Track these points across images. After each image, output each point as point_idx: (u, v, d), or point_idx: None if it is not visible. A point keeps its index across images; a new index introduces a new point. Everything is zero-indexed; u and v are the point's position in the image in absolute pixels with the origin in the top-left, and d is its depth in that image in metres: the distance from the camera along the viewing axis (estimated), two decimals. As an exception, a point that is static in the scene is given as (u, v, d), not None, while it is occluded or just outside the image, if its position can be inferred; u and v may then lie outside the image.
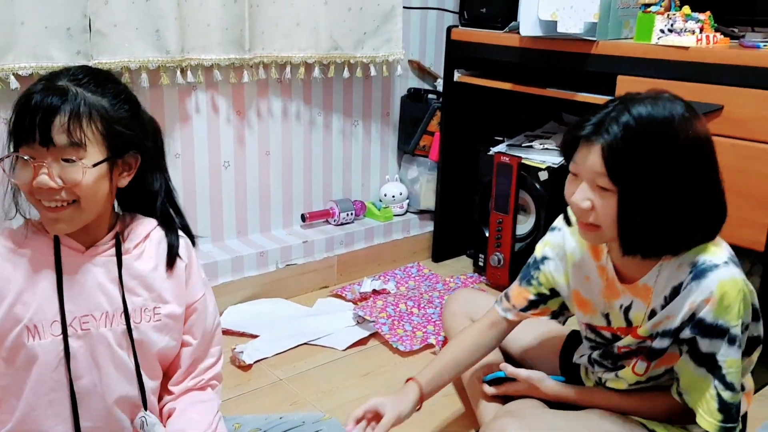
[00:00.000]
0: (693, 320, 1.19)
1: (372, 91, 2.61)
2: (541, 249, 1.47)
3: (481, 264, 2.56)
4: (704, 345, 1.19)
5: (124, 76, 1.94)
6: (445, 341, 2.01)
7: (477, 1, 2.42)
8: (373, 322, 2.12)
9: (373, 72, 2.47)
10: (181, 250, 1.20)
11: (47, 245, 1.10)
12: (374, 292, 2.35)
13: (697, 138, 1.14)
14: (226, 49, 2.12)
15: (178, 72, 2.05)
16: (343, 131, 2.56)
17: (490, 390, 1.56)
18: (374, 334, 2.11)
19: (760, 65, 1.66)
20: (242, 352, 1.91)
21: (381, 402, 1.36)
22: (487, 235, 2.49)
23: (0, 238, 1.11)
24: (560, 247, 1.42)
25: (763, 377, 1.70)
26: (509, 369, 1.51)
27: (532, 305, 1.48)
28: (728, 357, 1.18)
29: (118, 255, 1.13)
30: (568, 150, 1.21)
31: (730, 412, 1.19)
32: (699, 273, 1.17)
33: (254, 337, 2.05)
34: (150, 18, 1.92)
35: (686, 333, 1.21)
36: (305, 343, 2.04)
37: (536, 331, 1.70)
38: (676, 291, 1.21)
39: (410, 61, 2.69)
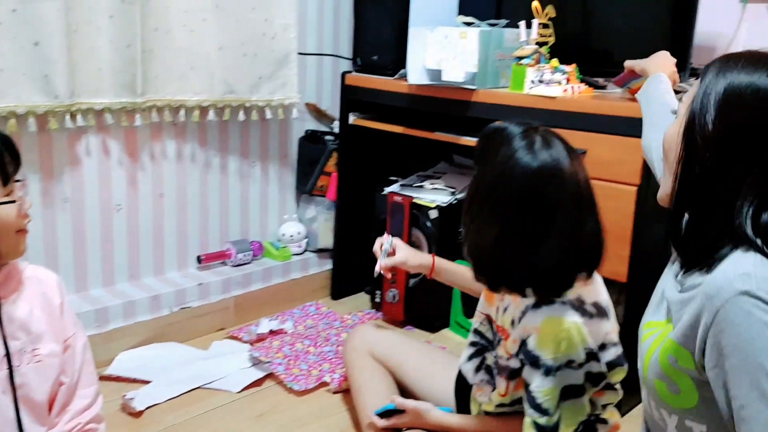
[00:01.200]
0: (523, 344, 1.31)
1: (269, 132, 2.66)
2: None
3: (377, 300, 2.63)
4: (525, 372, 1.32)
5: (10, 121, 1.91)
6: (342, 378, 2.05)
7: (369, 48, 2.53)
8: (269, 362, 2.14)
9: (269, 115, 2.52)
10: (54, 288, 1.22)
11: None
12: (271, 332, 2.37)
13: (577, 182, 1.28)
14: (118, 93, 2.13)
15: (68, 116, 2.04)
16: (240, 172, 2.59)
17: (380, 422, 1.62)
18: (270, 375, 2.12)
19: (617, 114, 1.83)
20: (133, 398, 1.88)
21: (401, 245, 1.77)
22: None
23: None
24: None
25: (631, 400, 1.83)
26: (398, 400, 1.59)
27: None
28: (543, 387, 1.29)
29: None
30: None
31: None
32: (537, 303, 1.30)
33: (146, 383, 2.03)
34: (38, 63, 1.91)
35: (520, 356, 1.33)
36: (199, 387, 2.03)
37: (431, 365, 1.78)
38: (525, 310, 1.33)
39: (307, 104, 2.76)
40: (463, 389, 1.62)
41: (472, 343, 1.56)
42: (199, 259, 2.48)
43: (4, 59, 1.86)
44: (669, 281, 1.05)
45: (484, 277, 1.33)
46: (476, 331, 1.55)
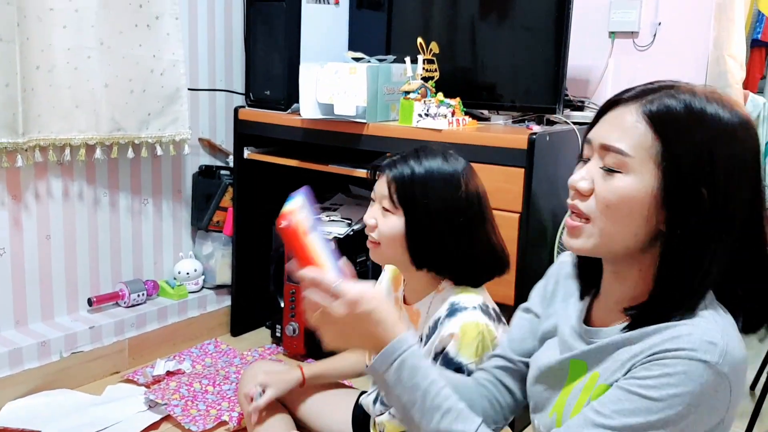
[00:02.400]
0: (442, 353, 1.35)
1: (161, 169, 2.62)
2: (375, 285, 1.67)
3: (278, 335, 2.62)
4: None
5: None
6: (240, 417, 2.03)
7: (261, 84, 2.55)
8: (165, 404, 2.09)
9: (159, 151, 2.48)
10: None
11: None
12: (168, 373, 2.32)
13: (474, 191, 1.41)
14: (-2, 133, 2.05)
15: (-59, 158, 1.95)
16: (131, 210, 2.53)
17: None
18: (167, 417, 2.07)
19: (501, 145, 1.93)
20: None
21: (267, 381, 1.71)
22: (282, 305, 2.56)
23: None
24: (381, 282, 1.66)
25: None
26: None
27: None
28: None
29: None
30: (371, 180, 1.49)
31: None
32: (452, 312, 1.36)
33: (35, 433, 1.94)
34: None
35: (438, 365, 1.36)
36: (92, 434, 1.96)
37: (328, 398, 1.79)
38: (436, 324, 1.38)
39: (200, 139, 2.75)
40: (360, 421, 1.65)
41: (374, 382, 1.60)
42: (90, 302, 2.40)
43: None
44: (567, 326, 1.05)
45: (422, 259, 1.41)
46: None
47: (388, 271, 1.65)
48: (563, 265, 1.14)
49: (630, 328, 0.93)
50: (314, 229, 1.00)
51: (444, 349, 1.36)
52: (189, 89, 2.53)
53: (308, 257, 0.98)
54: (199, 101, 2.69)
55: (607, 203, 0.91)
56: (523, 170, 1.89)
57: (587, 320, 1.04)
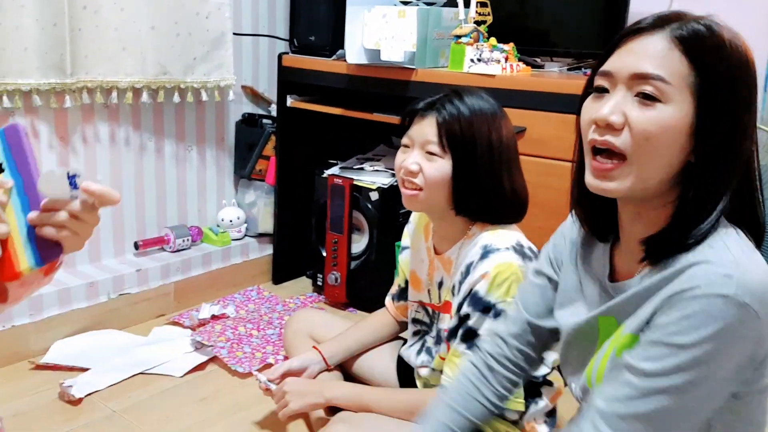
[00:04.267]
0: (470, 294, 1.35)
1: (205, 116, 2.61)
2: (402, 240, 1.66)
3: (319, 284, 2.62)
4: (473, 319, 1.35)
5: (-72, 101, 1.82)
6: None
7: (305, 29, 2.51)
8: (212, 346, 2.11)
9: (204, 97, 2.47)
10: None
11: None
12: (213, 317, 2.34)
13: (509, 131, 1.41)
14: (46, 74, 2.05)
15: (-7, 97, 1.95)
16: (176, 156, 2.53)
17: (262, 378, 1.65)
18: (213, 359, 2.09)
19: (556, 91, 1.87)
20: (71, 386, 1.83)
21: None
22: (324, 255, 2.55)
23: None
24: (407, 235, 1.63)
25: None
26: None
27: (400, 295, 1.68)
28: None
29: None
30: (403, 125, 1.44)
31: None
32: (484, 254, 1.35)
33: (84, 370, 1.97)
34: (-42, 40, 1.82)
35: (464, 308, 1.36)
36: (140, 373, 1.99)
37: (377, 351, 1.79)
38: (468, 269, 1.37)
39: (243, 87, 2.72)
40: (404, 370, 1.65)
41: (414, 333, 1.61)
42: (136, 245, 2.42)
43: None
44: (589, 279, 1.03)
45: (469, 205, 1.40)
46: (414, 320, 1.61)
47: (414, 222, 1.63)
48: (575, 224, 1.10)
49: (650, 264, 0.91)
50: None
51: (471, 290, 1.35)
52: (233, 34, 2.50)
53: None
54: (242, 47, 2.66)
55: (647, 135, 0.87)
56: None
57: (612, 275, 1.01)
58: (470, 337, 1.35)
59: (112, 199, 0.79)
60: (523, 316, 1.16)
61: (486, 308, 1.33)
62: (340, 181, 2.44)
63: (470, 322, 1.35)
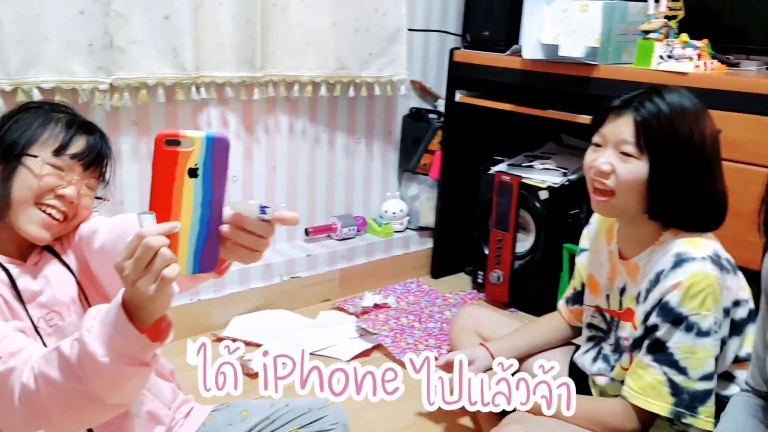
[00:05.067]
0: (660, 304, 1.28)
1: (375, 110, 2.67)
2: (580, 242, 1.62)
3: (479, 281, 2.61)
4: (662, 330, 1.28)
5: (141, 92, 1.99)
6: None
7: (480, 24, 2.50)
8: (376, 334, 2.17)
9: (377, 91, 2.53)
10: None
11: None
12: (375, 306, 2.40)
13: (712, 131, 1.33)
14: (238, 68, 2.18)
15: (193, 88, 2.11)
16: (346, 148, 2.62)
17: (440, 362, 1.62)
18: (377, 347, 2.15)
19: (754, 91, 1.74)
20: (251, 360, 1.95)
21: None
22: (486, 252, 2.54)
23: None
24: (586, 237, 1.58)
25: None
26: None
27: (575, 298, 1.64)
28: (682, 344, 1.26)
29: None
30: (596, 123, 1.38)
31: (682, 396, 1.26)
32: (678, 263, 1.28)
33: (259, 346, 2.10)
34: (168, 36, 1.98)
35: (652, 319, 1.30)
36: (310, 353, 2.08)
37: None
38: (657, 277, 1.30)
39: (412, 82, 2.76)
40: (576, 377, 1.60)
41: (589, 338, 1.56)
42: (307, 232, 2.54)
43: (137, 32, 1.94)
44: None
45: (665, 209, 1.33)
46: (589, 325, 1.56)
47: (595, 224, 1.56)
48: None
49: None
50: (206, 180, 0.79)
51: (660, 300, 1.28)
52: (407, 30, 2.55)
53: (166, 199, 0.78)
54: (413, 42, 2.70)
55: None
56: (780, 120, 1.70)
57: None
58: (657, 349, 1.29)
59: (296, 223, 0.83)
60: None
61: (677, 320, 1.26)
62: (508, 178, 2.41)
63: (658, 334, 1.29)
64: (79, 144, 1.12)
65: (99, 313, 0.84)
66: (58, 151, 1.09)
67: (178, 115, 2.14)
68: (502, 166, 2.51)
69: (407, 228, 2.81)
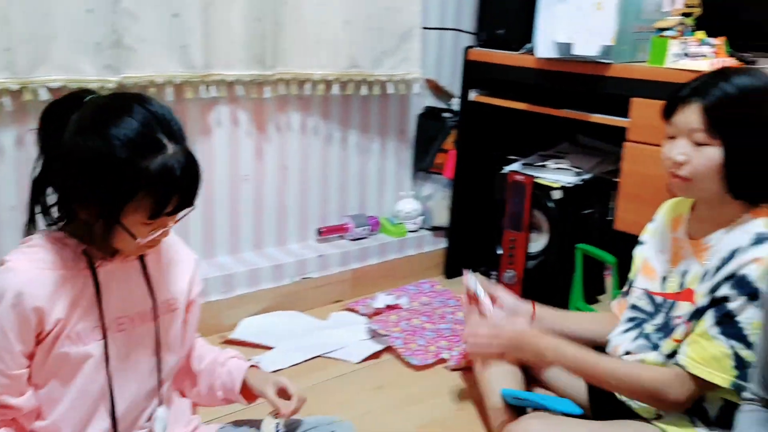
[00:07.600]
0: (735, 277, 1.26)
1: (389, 108, 2.65)
2: (640, 236, 1.60)
3: (493, 281, 2.58)
4: (734, 303, 1.26)
5: (149, 90, 1.99)
6: (461, 356, 2.04)
7: (494, 22, 2.47)
8: (387, 336, 2.15)
9: (390, 90, 2.51)
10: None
11: (78, 257, 1.12)
12: (388, 307, 2.38)
13: None
14: (249, 66, 2.17)
15: (202, 87, 2.10)
16: (359, 147, 2.60)
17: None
18: (388, 348, 2.13)
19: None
20: (259, 362, 1.93)
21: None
22: (499, 252, 2.51)
23: (36, 253, 1.09)
24: (649, 231, 1.57)
25: None
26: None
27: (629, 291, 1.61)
28: (754, 319, 1.24)
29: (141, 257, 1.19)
30: (666, 113, 1.36)
31: (745, 370, 1.24)
32: (759, 240, 1.27)
33: (268, 348, 2.08)
34: (177, 34, 1.98)
35: (723, 290, 1.27)
36: (319, 356, 2.07)
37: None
38: (732, 254, 1.29)
39: (426, 80, 2.74)
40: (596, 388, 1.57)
41: (630, 319, 1.54)
42: (319, 232, 2.52)
43: (146, 31, 1.93)
44: None
45: (748, 189, 1.33)
46: (633, 307, 1.54)
47: (662, 215, 1.55)
48: None
49: None
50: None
51: (735, 273, 1.26)
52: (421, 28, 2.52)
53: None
54: (427, 41, 2.67)
55: None
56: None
57: None
58: (726, 321, 1.27)
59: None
60: None
61: (753, 294, 1.25)
62: (522, 178, 2.38)
63: (730, 306, 1.27)
64: (174, 201, 1.07)
65: None
66: (154, 216, 1.06)
67: (187, 113, 2.13)
68: (515, 166, 2.48)
69: (421, 228, 2.78)
